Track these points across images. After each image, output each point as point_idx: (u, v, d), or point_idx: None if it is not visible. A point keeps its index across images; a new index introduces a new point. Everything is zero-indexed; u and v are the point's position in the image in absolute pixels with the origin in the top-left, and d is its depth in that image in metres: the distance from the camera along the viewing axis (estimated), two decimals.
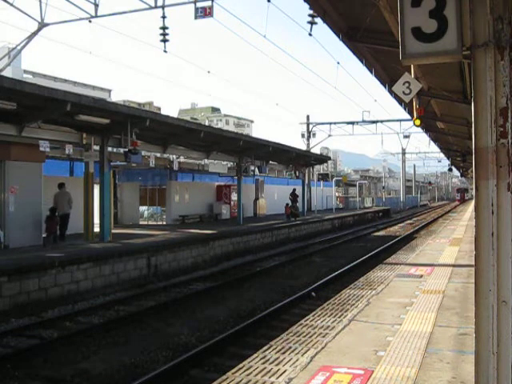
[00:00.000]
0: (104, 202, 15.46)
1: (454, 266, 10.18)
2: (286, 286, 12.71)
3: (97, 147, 15.34)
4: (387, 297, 7.33)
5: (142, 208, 25.30)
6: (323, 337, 5.67)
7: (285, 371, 4.64)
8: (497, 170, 2.57)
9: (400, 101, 13.23)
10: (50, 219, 14.33)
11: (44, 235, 14.22)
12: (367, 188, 59.98)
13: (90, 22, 15.83)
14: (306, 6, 7.89)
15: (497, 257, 2.57)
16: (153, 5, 15.03)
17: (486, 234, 2.60)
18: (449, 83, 10.73)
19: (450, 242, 15.06)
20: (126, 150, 15.00)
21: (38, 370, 6.95)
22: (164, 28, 15.64)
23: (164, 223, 23.41)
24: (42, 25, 16.11)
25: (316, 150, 43.68)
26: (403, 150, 57.57)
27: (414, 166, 79.41)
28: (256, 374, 4.61)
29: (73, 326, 9.24)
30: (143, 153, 17.74)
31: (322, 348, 4.95)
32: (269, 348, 5.45)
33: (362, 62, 10.17)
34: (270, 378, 4.53)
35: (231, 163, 24.88)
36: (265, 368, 4.79)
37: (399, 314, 6.22)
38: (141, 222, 23.84)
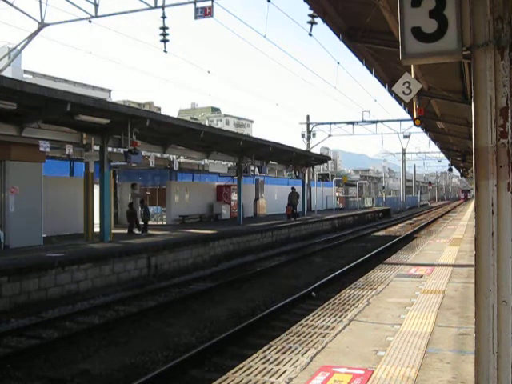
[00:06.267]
0: (104, 201, 15.46)
1: (454, 265, 10.17)
2: (286, 286, 12.70)
3: (97, 147, 15.34)
4: (387, 297, 7.32)
5: None
6: (323, 337, 5.67)
7: (285, 371, 4.64)
8: (497, 170, 2.57)
9: (400, 101, 13.23)
10: (129, 214, 18.64)
11: None
12: (367, 188, 59.95)
13: (90, 22, 15.85)
14: (306, 5, 7.91)
15: (497, 257, 2.57)
16: (153, 5, 15.04)
17: (486, 234, 2.60)
18: (449, 83, 10.73)
19: (450, 242, 15.05)
20: (126, 150, 15.00)
21: (38, 370, 6.95)
22: (164, 28, 15.65)
23: (164, 223, 23.41)
24: (42, 25, 16.11)
25: (316, 150, 43.70)
26: (403, 150, 57.57)
27: (414, 165, 79.46)
28: (256, 374, 4.61)
29: (73, 325, 9.24)
30: (143, 153, 17.73)
31: (322, 348, 4.95)
32: (269, 348, 5.45)
33: (362, 62, 10.17)
34: (270, 378, 4.53)
35: (231, 163, 24.87)
36: (265, 368, 4.78)
37: (399, 314, 6.22)
38: (141, 222, 23.76)
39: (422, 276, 9.04)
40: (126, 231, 18.50)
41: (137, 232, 18.23)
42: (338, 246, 21.99)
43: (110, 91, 65.57)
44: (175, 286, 12.85)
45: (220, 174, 25.59)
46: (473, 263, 2.71)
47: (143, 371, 6.75)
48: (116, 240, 15.36)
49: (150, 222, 24.17)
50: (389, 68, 10.59)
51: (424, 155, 64.36)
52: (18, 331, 8.70)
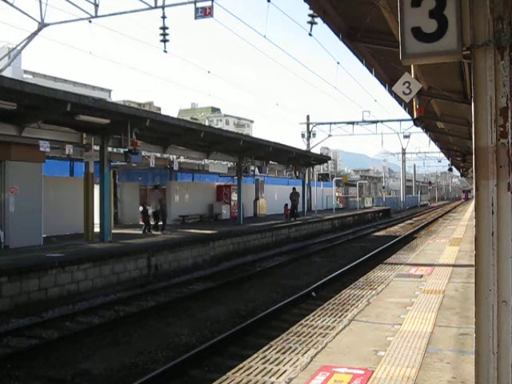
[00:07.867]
0: (104, 201, 15.46)
1: (454, 265, 10.17)
2: (286, 286, 12.70)
3: (97, 147, 15.34)
4: (387, 297, 7.33)
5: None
6: (323, 337, 5.67)
7: (285, 371, 4.64)
8: (497, 170, 2.57)
9: (400, 101, 13.21)
10: (142, 213, 19.38)
11: None
12: (367, 188, 59.92)
13: (89, 22, 15.84)
14: (306, 6, 7.88)
15: (497, 257, 2.57)
16: (153, 5, 15.03)
17: (486, 234, 2.60)
18: (449, 83, 10.72)
19: (450, 242, 15.05)
20: (126, 150, 15.00)
21: (38, 370, 6.95)
22: (164, 28, 15.63)
23: None
24: (42, 25, 16.11)
25: (316, 150, 43.70)
26: (403, 149, 57.59)
27: (414, 165, 79.48)
28: (256, 374, 4.61)
29: (73, 326, 9.25)
30: (143, 153, 17.74)
31: (323, 348, 4.95)
32: (269, 348, 5.45)
33: (362, 62, 10.16)
34: (270, 378, 4.53)
35: (231, 163, 24.87)
36: (265, 368, 4.78)
37: (399, 314, 6.22)
38: (141, 222, 23.76)
39: (422, 276, 9.04)
40: (126, 231, 18.51)
41: (154, 232, 18.36)
42: (338, 245, 21.98)
43: (110, 91, 65.53)
44: (175, 286, 12.85)
45: (220, 174, 25.58)
46: (473, 263, 2.71)
47: (143, 371, 6.76)
48: (116, 240, 15.36)
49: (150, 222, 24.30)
50: (389, 68, 10.57)
51: (424, 155, 64.38)
52: (18, 331, 8.70)
